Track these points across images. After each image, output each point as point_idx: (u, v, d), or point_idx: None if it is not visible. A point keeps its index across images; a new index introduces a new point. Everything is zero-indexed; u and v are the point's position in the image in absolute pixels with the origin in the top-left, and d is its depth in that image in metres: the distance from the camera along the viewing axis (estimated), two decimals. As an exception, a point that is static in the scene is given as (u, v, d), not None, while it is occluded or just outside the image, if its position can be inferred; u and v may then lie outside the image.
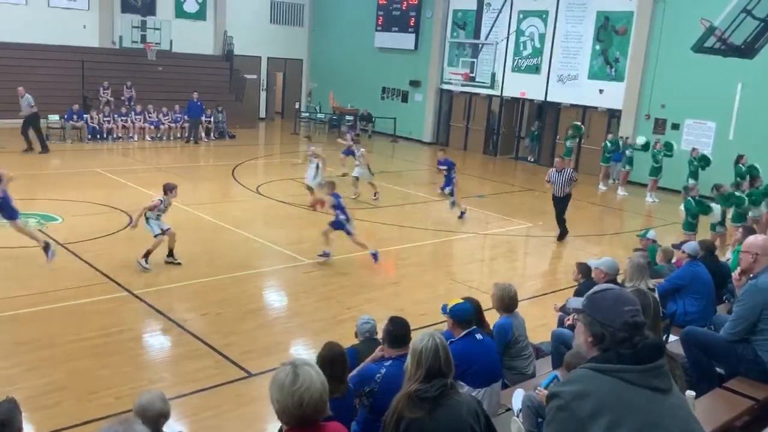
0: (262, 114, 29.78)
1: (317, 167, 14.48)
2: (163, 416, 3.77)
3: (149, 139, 22.31)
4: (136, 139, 22.03)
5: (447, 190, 14.48)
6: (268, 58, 29.73)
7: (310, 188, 14.52)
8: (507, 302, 5.65)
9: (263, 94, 29.94)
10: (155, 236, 9.85)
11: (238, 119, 25.39)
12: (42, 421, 5.66)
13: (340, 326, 7.99)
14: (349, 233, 10.75)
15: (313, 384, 2.52)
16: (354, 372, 4.44)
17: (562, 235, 13.10)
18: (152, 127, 22.61)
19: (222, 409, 6.29)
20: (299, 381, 2.51)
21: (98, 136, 21.25)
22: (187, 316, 8.36)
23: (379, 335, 5.34)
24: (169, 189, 10.11)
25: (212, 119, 23.71)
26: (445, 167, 14.53)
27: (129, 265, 9.81)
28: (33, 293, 8.62)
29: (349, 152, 16.92)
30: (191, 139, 22.60)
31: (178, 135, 23.01)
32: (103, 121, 21.59)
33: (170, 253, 10.12)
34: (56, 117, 20.80)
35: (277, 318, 9.02)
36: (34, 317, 8.00)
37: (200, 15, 27.85)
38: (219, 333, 7.89)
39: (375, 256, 10.77)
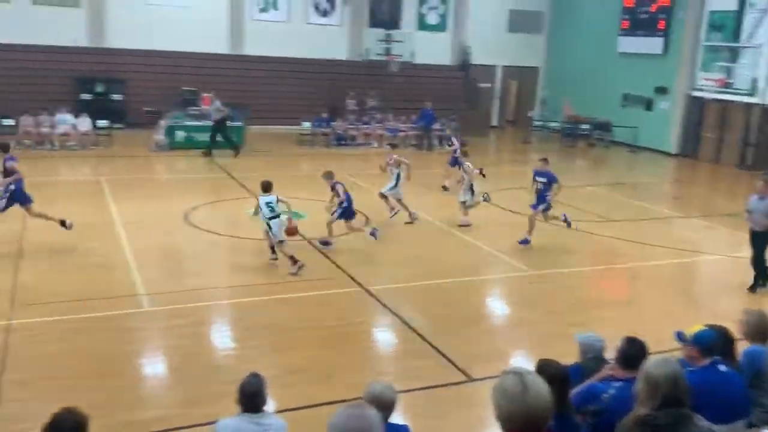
0: (494, 122, 29.90)
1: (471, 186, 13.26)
2: (392, 407, 3.95)
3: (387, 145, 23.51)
4: (375, 145, 23.37)
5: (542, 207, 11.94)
6: (504, 66, 29.78)
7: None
8: (761, 329, 5.05)
9: (496, 103, 30.05)
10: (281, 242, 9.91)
11: (470, 128, 25.75)
12: (281, 399, 6.24)
13: (562, 341, 7.69)
14: (348, 220, 11.11)
15: (541, 394, 2.49)
16: (578, 389, 4.28)
17: (756, 284, 10.09)
18: (390, 134, 23.82)
19: (442, 409, 6.44)
20: (528, 390, 2.48)
21: (342, 142, 22.94)
22: (413, 315, 8.68)
23: (607, 355, 5.09)
24: (270, 186, 9.95)
25: (445, 128, 24.36)
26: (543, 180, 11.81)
27: (363, 263, 10.46)
28: (279, 282, 9.58)
29: (456, 162, 15.05)
30: (424, 146, 23.40)
31: (413, 143, 23.96)
32: (348, 128, 23.28)
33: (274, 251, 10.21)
34: (308, 124, 22.86)
35: (500, 326, 9.01)
36: (279, 303, 8.88)
37: (441, 27, 28.77)
38: (442, 334, 8.07)
39: (374, 234, 11.21)
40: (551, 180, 11.72)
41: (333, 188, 11.11)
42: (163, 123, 20.09)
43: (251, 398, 4.02)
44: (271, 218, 9.77)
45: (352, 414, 2.40)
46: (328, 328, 8.16)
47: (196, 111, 21.29)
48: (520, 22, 29.48)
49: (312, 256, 10.77)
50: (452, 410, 6.45)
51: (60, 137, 19.25)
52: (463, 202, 13.13)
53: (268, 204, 9.75)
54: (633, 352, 4.28)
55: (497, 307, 9.85)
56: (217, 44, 25.05)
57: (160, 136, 19.89)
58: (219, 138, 19.38)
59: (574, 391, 4.29)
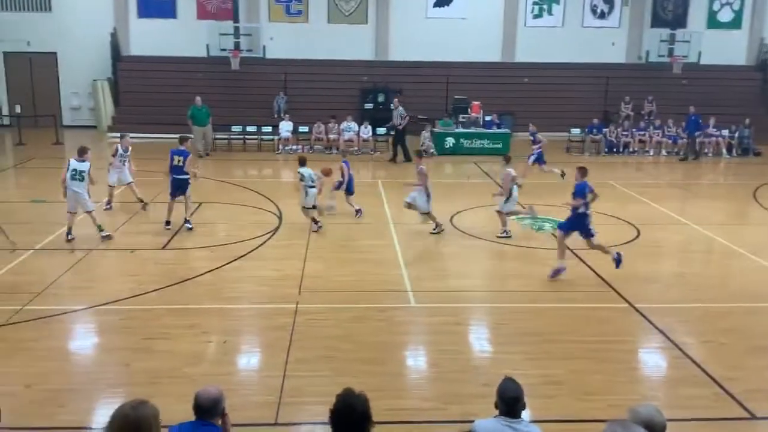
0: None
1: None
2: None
3: (665, 153, 21.92)
4: (651, 153, 21.92)
5: None
6: (814, 65, 25.90)
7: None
8: None
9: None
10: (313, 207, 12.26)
11: (766, 135, 22.84)
12: (538, 409, 6.12)
13: None
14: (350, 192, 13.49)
15: None
16: None
17: None
18: (670, 141, 22.14)
19: (717, 446, 5.81)
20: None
21: (614, 150, 21.87)
22: (687, 339, 7.96)
23: None
24: (305, 161, 12.49)
25: (736, 134, 21.97)
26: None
27: (631, 278, 9.85)
28: (541, 290, 9.45)
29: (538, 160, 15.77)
30: (688, 155, 21.26)
31: (704, 150, 22.03)
32: (621, 135, 22.13)
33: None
34: (577, 131, 22.21)
35: (794, 363, 7.83)
36: (539, 312, 8.76)
37: (735, 24, 26.00)
38: (721, 364, 7.27)
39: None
40: (577, 192, 9.77)
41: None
42: (425, 133, 21.04)
43: (511, 403, 4.00)
44: (310, 187, 12.19)
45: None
46: (591, 343, 7.83)
47: (465, 118, 21.94)
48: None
49: (577, 268, 10.43)
50: (729, 449, 5.79)
51: (345, 143, 21.21)
52: (498, 211, 12.10)
53: (310, 176, 12.24)
54: None
55: (792, 340, 8.57)
56: (489, 52, 25.55)
57: (427, 143, 20.89)
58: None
59: None
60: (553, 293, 9.34)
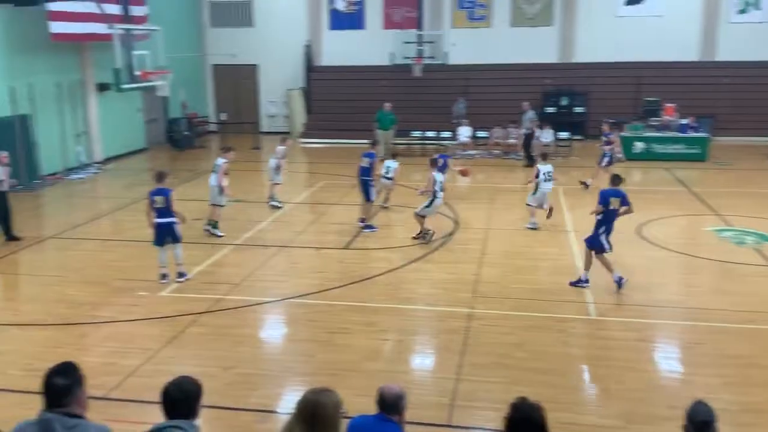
0: None
1: None
2: None
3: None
4: None
5: None
6: None
7: None
8: None
9: None
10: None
11: None
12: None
13: None
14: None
15: None
16: None
17: None
18: None
19: None
20: None
21: (834, 156, 19.36)
22: None
23: None
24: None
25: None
26: None
27: None
28: (744, 310, 8.59)
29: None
30: None
31: None
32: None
33: None
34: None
35: None
36: (743, 334, 7.97)
37: None
38: None
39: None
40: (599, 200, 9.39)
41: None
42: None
43: (700, 427, 3.70)
44: (386, 178, 13.24)
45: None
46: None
47: (657, 122, 20.58)
48: None
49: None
50: None
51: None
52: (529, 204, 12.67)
53: (388, 168, 13.24)
54: None
55: None
56: (685, 51, 23.79)
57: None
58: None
59: None
60: (760, 314, 8.46)
